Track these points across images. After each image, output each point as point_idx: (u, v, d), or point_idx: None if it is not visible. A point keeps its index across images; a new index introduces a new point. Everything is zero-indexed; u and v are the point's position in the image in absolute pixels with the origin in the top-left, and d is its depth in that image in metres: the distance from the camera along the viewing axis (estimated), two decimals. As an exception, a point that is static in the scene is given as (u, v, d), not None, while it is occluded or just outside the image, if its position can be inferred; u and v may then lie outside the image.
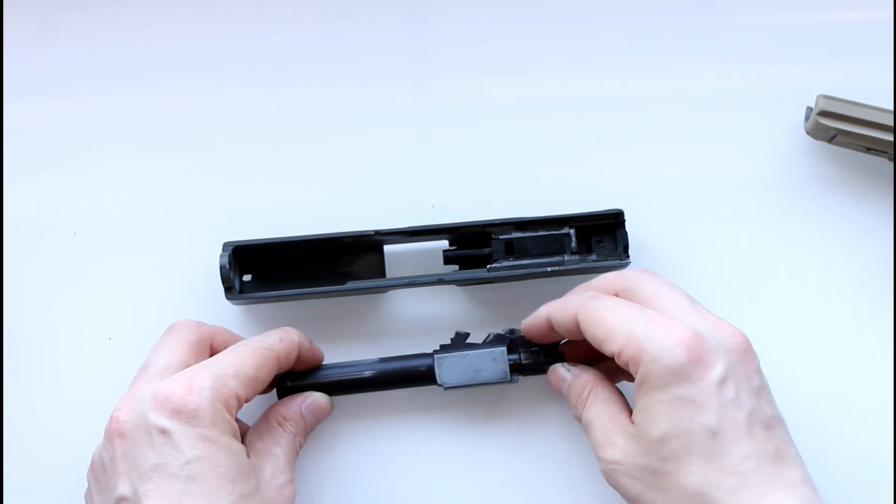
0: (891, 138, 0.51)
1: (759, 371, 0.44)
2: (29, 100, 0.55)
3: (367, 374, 0.50)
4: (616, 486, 0.44)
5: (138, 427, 0.42)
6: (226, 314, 0.53)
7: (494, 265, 0.51)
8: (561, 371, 0.48)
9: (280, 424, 0.47)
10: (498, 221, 0.51)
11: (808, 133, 0.53)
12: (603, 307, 0.44)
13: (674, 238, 0.54)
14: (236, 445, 0.43)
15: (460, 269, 0.52)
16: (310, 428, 0.49)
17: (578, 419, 0.47)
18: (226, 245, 0.50)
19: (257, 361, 0.45)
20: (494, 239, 0.51)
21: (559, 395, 0.49)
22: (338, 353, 0.52)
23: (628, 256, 0.51)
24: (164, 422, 0.41)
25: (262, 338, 0.47)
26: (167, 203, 0.54)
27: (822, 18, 0.56)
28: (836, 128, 0.52)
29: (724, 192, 0.54)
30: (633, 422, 0.43)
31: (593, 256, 0.51)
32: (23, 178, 0.54)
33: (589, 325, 0.44)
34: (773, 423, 0.43)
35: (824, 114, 0.52)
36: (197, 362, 0.45)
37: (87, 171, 0.54)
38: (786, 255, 0.54)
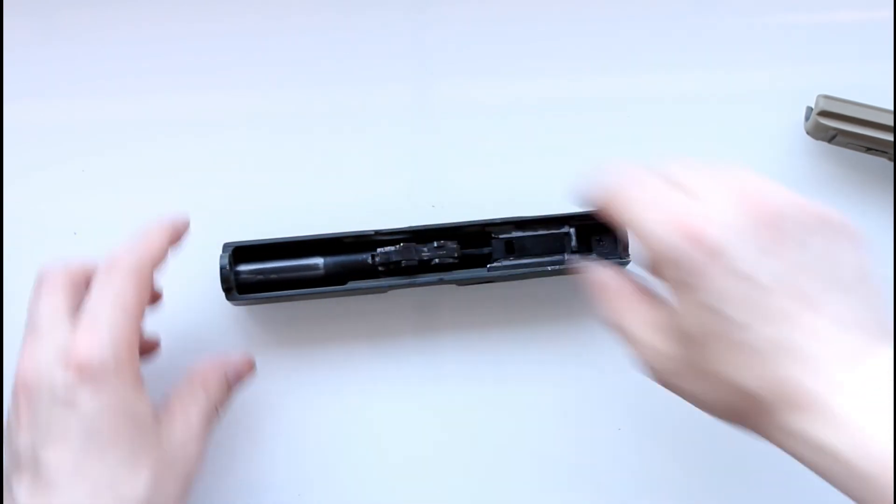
0: (891, 138, 0.51)
1: (799, 243, 0.38)
2: (29, 100, 0.55)
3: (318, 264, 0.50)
4: (667, 387, 0.41)
5: (41, 384, 0.43)
6: (226, 314, 0.53)
7: (494, 264, 0.51)
8: (592, 274, 0.45)
9: (201, 386, 0.48)
10: (498, 221, 0.51)
11: (808, 133, 0.53)
12: (634, 210, 0.41)
13: (674, 238, 0.54)
14: (139, 402, 0.44)
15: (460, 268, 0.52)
16: (233, 389, 0.49)
17: (608, 324, 0.44)
18: (226, 245, 0.50)
19: (135, 285, 0.45)
20: (494, 238, 0.51)
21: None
22: (338, 353, 0.52)
23: (629, 255, 0.51)
24: (68, 378, 0.42)
25: (128, 253, 0.46)
26: (167, 203, 0.54)
27: (822, 18, 0.56)
28: (836, 128, 0.52)
29: (724, 192, 0.54)
30: (667, 315, 0.41)
31: (593, 255, 0.51)
32: (23, 178, 0.54)
33: (623, 221, 0.42)
34: (814, 303, 0.37)
35: (824, 114, 0.52)
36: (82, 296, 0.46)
37: (87, 171, 0.54)
38: (786, 255, 0.54)
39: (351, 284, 0.50)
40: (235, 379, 0.49)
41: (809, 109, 0.53)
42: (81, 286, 0.47)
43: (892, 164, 0.53)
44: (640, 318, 0.42)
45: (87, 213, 0.54)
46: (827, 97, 0.52)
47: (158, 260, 0.47)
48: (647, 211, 0.40)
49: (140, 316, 0.45)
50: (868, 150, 0.53)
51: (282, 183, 0.54)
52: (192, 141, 0.54)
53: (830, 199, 0.54)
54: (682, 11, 0.56)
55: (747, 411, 0.38)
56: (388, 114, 0.55)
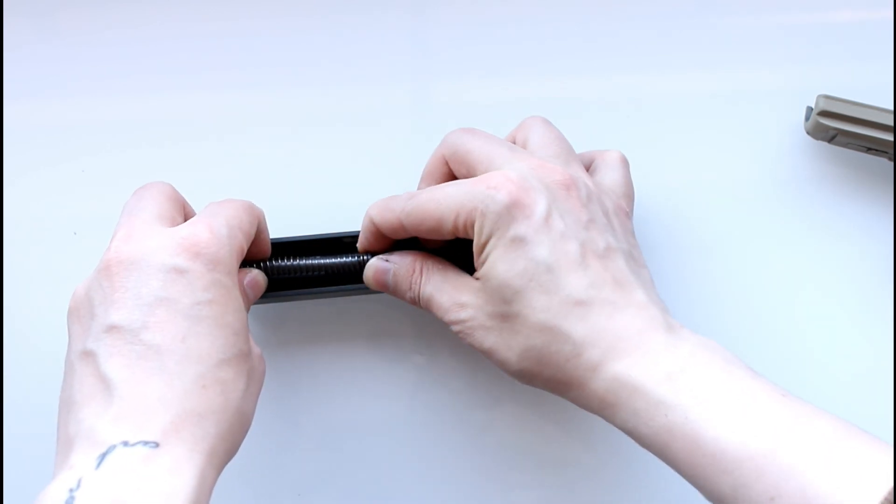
0: (891, 138, 0.51)
1: (585, 205, 0.44)
2: (29, 100, 0.55)
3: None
4: (472, 343, 0.44)
5: (146, 262, 0.40)
6: (226, 314, 0.53)
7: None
8: (379, 264, 0.48)
9: None
10: None
11: (808, 133, 0.53)
12: (421, 201, 0.44)
13: (673, 237, 0.54)
14: (242, 301, 0.42)
15: (460, 267, 0.52)
16: (251, 304, 0.48)
17: (416, 300, 0.47)
18: (226, 245, 0.50)
19: (250, 218, 0.45)
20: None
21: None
22: (338, 353, 0.52)
23: None
24: (181, 262, 0.40)
25: (238, 200, 0.46)
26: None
27: (822, 18, 0.56)
28: (836, 128, 0.52)
29: (723, 191, 0.54)
30: (476, 278, 0.44)
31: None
32: (23, 178, 0.54)
33: (417, 224, 0.45)
34: (607, 254, 0.43)
35: (824, 114, 0.52)
36: (181, 217, 0.44)
37: (87, 171, 0.54)
38: (785, 255, 0.54)
39: (350, 284, 0.50)
40: (252, 292, 0.47)
41: (809, 109, 0.53)
42: (183, 210, 0.45)
43: (892, 164, 0.53)
44: (450, 284, 0.45)
45: (87, 213, 0.54)
46: (827, 97, 0.52)
47: (259, 223, 0.46)
48: (453, 184, 0.44)
49: (246, 247, 0.44)
50: (868, 150, 0.53)
51: (282, 183, 0.54)
52: (191, 141, 0.54)
53: (830, 199, 0.54)
54: (683, 11, 0.56)
55: (560, 361, 0.42)
56: (387, 114, 0.55)
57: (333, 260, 0.50)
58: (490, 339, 0.44)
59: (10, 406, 0.52)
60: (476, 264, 0.44)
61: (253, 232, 0.45)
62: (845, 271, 0.54)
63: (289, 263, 0.50)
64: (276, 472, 0.53)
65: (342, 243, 0.51)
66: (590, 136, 0.55)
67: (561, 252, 0.42)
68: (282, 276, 0.50)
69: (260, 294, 0.48)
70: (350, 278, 0.50)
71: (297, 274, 0.50)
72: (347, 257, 0.50)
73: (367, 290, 0.51)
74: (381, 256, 0.48)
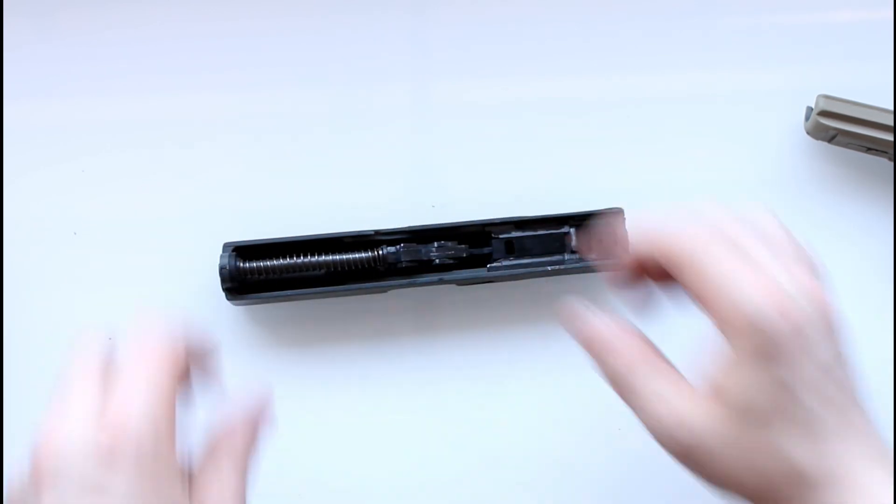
0: (891, 138, 0.51)
1: (838, 331, 0.40)
2: (29, 100, 0.55)
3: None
4: (688, 466, 0.40)
5: (67, 477, 0.39)
6: (226, 314, 0.53)
7: (494, 264, 0.51)
8: (584, 311, 0.42)
9: (222, 450, 0.41)
10: (498, 221, 0.51)
11: (808, 133, 0.53)
12: (715, 264, 0.39)
13: (674, 238, 0.54)
14: (177, 473, 0.39)
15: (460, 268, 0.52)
16: (257, 438, 0.43)
17: (614, 383, 0.42)
18: (226, 245, 0.50)
19: (171, 374, 0.40)
20: (494, 238, 0.51)
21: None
22: (338, 354, 0.52)
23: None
24: (101, 477, 0.38)
25: (153, 349, 0.41)
26: (167, 203, 0.54)
27: (822, 18, 0.56)
28: (836, 128, 0.52)
29: (723, 191, 0.54)
30: (709, 391, 0.39)
31: (593, 255, 0.51)
32: (23, 178, 0.54)
33: (693, 283, 0.40)
34: (843, 382, 0.40)
35: (824, 114, 0.52)
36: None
37: (87, 171, 0.54)
38: (786, 255, 0.54)
39: (351, 284, 0.50)
40: (262, 422, 0.43)
41: (809, 109, 0.53)
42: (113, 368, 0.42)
43: (892, 164, 0.53)
44: (664, 381, 0.40)
45: (87, 213, 0.54)
46: (827, 97, 0.52)
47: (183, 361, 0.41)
48: (739, 272, 0.39)
49: (174, 409, 0.39)
50: (868, 150, 0.53)
51: (282, 183, 0.54)
52: (192, 141, 0.54)
53: (830, 199, 0.54)
54: (683, 11, 0.56)
55: (782, 490, 0.39)
56: (387, 114, 0.55)
57: (335, 257, 0.50)
58: (719, 465, 0.39)
59: (10, 406, 0.52)
60: (716, 373, 0.39)
61: (179, 385, 0.40)
62: (845, 271, 0.54)
63: (291, 262, 0.50)
64: (276, 473, 0.53)
65: (342, 243, 0.51)
66: (590, 136, 0.55)
67: (819, 392, 0.39)
68: (283, 276, 0.50)
69: (267, 415, 0.43)
70: (351, 276, 0.50)
71: (300, 272, 0.50)
72: (349, 254, 0.50)
73: (367, 290, 0.51)
74: (591, 307, 0.42)
